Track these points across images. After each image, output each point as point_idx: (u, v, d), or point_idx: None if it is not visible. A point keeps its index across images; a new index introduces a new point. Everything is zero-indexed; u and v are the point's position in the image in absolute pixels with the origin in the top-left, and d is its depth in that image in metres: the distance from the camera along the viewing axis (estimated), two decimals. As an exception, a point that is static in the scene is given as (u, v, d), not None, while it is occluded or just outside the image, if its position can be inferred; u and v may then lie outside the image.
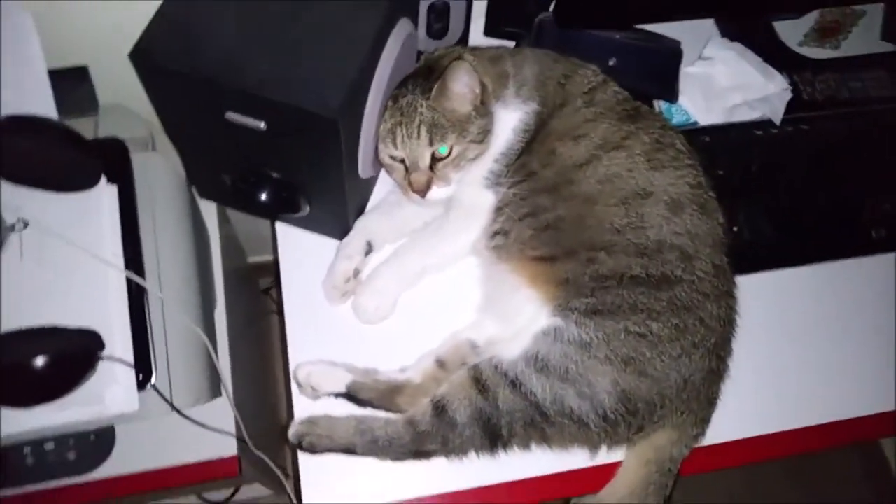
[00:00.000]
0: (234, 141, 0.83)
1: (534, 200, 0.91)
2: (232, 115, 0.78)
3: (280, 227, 1.02)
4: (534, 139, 0.94)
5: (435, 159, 0.91)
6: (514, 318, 0.91)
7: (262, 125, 0.78)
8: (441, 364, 0.92)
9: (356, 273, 0.97)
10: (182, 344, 1.05)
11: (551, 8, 1.08)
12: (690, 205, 0.90)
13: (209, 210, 1.30)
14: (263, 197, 0.92)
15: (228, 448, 1.19)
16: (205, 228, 1.30)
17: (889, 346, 1.03)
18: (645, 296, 0.85)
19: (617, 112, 0.94)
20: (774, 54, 1.20)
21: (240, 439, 1.19)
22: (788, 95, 1.12)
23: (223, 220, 1.37)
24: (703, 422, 0.90)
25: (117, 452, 1.08)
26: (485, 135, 0.92)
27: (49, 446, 1.06)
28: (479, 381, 0.86)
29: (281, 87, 0.73)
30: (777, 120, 1.11)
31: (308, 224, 0.99)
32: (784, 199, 1.08)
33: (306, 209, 0.94)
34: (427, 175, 0.91)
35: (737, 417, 0.94)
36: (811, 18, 1.24)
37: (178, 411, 1.00)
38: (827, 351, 1.02)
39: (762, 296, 1.02)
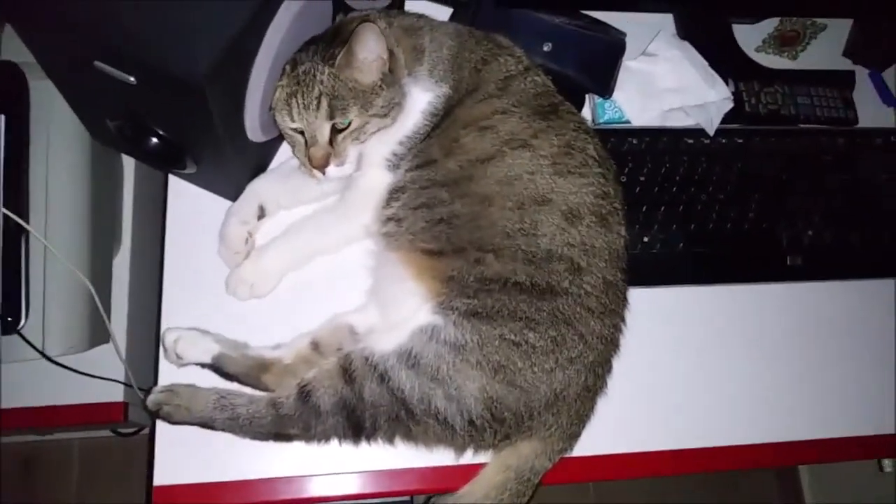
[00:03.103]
0: (109, 89, 0.77)
1: (431, 192, 0.87)
2: (100, 65, 0.72)
3: (172, 180, 0.97)
4: (439, 124, 0.89)
5: (335, 131, 0.86)
6: (395, 310, 0.88)
7: (132, 79, 0.72)
8: (315, 346, 0.89)
9: (250, 236, 0.93)
10: (64, 289, 1.01)
11: (491, -22, 1.01)
12: (589, 216, 0.86)
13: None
14: (147, 148, 0.87)
15: (115, 394, 1.17)
16: (118, 165, 1.25)
17: (803, 370, 1.02)
18: (526, 304, 0.82)
19: (531, 106, 0.89)
20: (726, 57, 1.15)
21: (127, 385, 1.17)
22: (728, 106, 1.07)
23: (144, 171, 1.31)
24: (572, 437, 0.88)
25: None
26: (390, 108, 0.87)
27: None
28: (346, 371, 0.83)
29: (147, 45, 0.67)
30: (710, 131, 1.06)
31: (200, 181, 0.95)
32: (702, 215, 1.04)
33: (193, 167, 0.89)
34: (326, 150, 0.86)
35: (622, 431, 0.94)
36: (771, 25, 1.18)
37: (48, 358, 0.98)
38: (725, 372, 1.01)
39: (663, 310, 1.00)
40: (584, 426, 0.89)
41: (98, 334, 1.07)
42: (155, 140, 0.85)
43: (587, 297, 0.84)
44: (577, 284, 0.84)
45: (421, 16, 0.94)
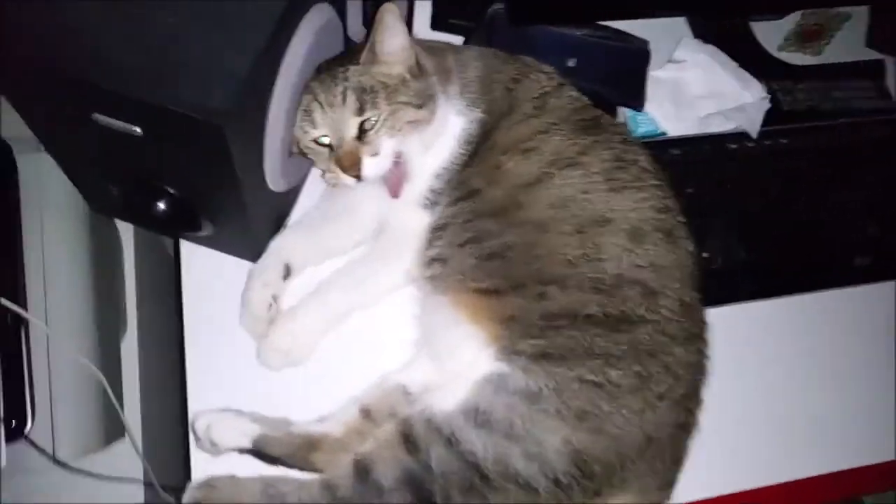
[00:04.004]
0: (112, 148, 0.68)
1: (477, 224, 0.79)
2: (100, 118, 0.63)
3: (185, 245, 0.88)
4: (476, 152, 0.82)
5: (364, 130, 0.78)
6: (452, 360, 0.78)
7: (138, 130, 0.63)
8: (367, 414, 0.79)
9: (275, 300, 0.83)
10: (72, 383, 0.90)
11: (504, -1, 0.95)
12: (655, 233, 0.78)
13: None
14: (158, 213, 0.78)
15: (135, 496, 1.04)
16: (115, 238, 1.15)
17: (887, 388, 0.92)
18: (602, 338, 0.73)
19: (572, 122, 0.82)
20: (752, 59, 1.08)
21: (148, 485, 1.04)
22: (766, 105, 1.01)
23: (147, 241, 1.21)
24: (669, 484, 0.78)
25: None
26: (425, 100, 0.80)
27: None
28: (408, 438, 0.73)
29: (150, 84, 0.59)
30: (754, 133, 1.00)
31: (216, 244, 0.85)
32: (760, 222, 0.97)
33: (209, 228, 0.80)
34: (355, 147, 0.78)
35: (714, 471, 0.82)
36: (792, 21, 1.13)
37: (62, 464, 0.86)
38: (812, 394, 0.91)
39: (735, 331, 0.90)
40: (680, 470, 0.79)
41: (113, 429, 0.95)
42: (166, 202, 0.76)
43: (667, 323, 0.76)
44: (653, 310, 0.75)
45: (442, 42, 0.87)
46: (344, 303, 0.83)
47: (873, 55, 1.15)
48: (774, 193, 0.99)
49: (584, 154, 0.80)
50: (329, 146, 0.79)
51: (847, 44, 1.15)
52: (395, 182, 0.81)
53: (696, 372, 0.78)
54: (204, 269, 0.87)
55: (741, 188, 0.98)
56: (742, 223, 0.97)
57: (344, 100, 0.77)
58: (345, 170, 0.78)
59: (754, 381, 0.91)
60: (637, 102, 1.00)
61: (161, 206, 0.77)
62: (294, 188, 0.85)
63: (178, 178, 0.73)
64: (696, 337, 0.78)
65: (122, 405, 0.97)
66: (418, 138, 0.81)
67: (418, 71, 0.80)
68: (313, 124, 0.78)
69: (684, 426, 0.78)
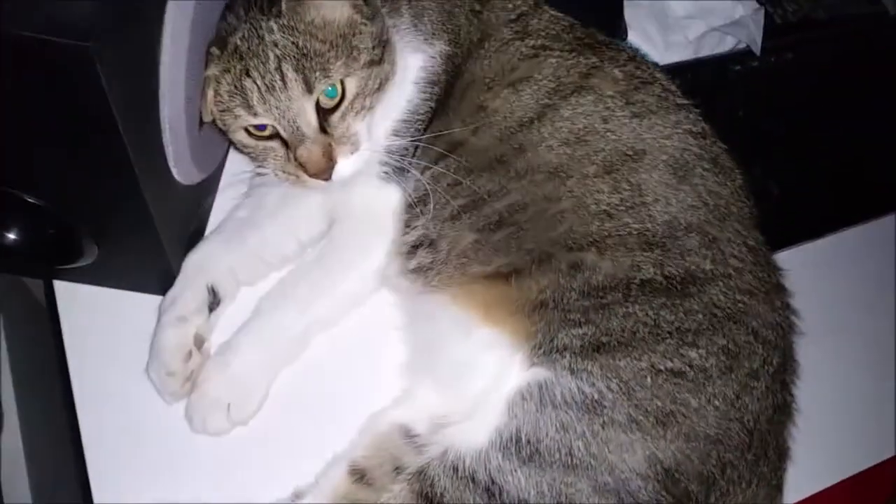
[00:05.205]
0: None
1: (469, 185, 0.58)
2: None
3: (60, 290, 0.62)
4: (447, 95, 0.62)
5: (324, 112, 0.56)
6: (467, 379, 0.58)
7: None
8: (360, 474, 0.58)
9: (199, 344, 0.60)
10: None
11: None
12: (700, 163, 0.60)
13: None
14: (13, 240, 0.53)
15: None
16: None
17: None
18: (669, 309, 0.55)
19: (566, 41, 0.64)
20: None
21: None
22: (762, 16, 0.85)
23: (10, 287, 0.92)
24: (778, 489, 0.58)
25: None
26: (382, 49, 0.58)
27: None
28: (430, 499, 0.52)
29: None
30: (756, 49, 0.84)
31: (104, 276, 0.61)
32: (785, 150, 0.81)
33: (93, 252, 0.56)
34: (322, 142, 0.56)
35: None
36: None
37: None
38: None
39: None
40: (785, 468, 0.59)
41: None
42: (24, 218, 0.51)
43: (739, 276, 0.58)
44: (720, 261, 0.57)
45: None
46: (297, 325, 0.61)
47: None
48: (794, 115, 0.83)
49: (590, 76, 0.61)
50: (279, 138, 0.56)
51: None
52: None
53: (786, 333, 0.59)
54: (92, 317, 0.62)
55: (756, 113, 0.82)
56: (765, 155, 0.80)
57: (283, 78, 0.54)
58: (312, 174, 0.56)
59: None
60: (617, 30, 0.82)
61: (18, 230, 0.52)
62: (208, 180, 0.61)
63: (43, 177, 0.49)
64: (777, 288, 0.60)
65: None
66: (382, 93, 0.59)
67: (365, 5, 0.58)
68: (251, 111, 0.55)
69: (783, 408, 0.59)
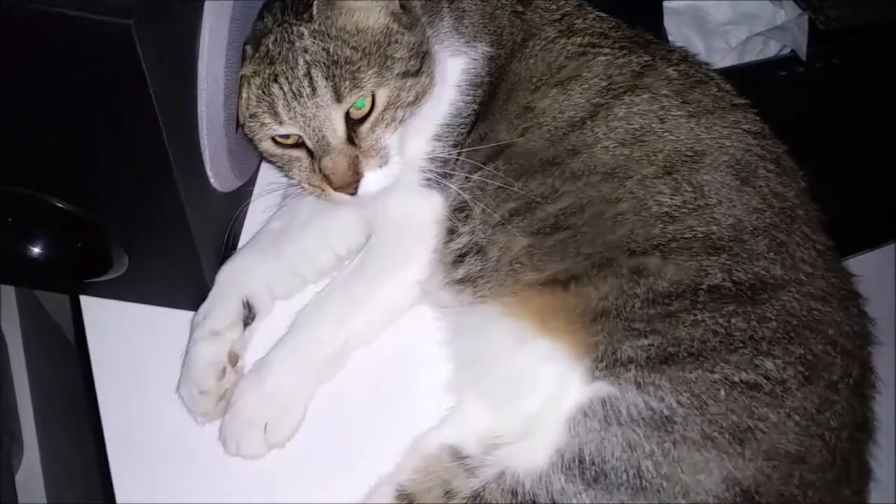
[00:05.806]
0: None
1: (520, 188, 0.55)
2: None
3: (88, 307, 0.59)
4: (491, 97, 0.60)
5: (353, 122, 0.53)
6: (522, 396, 0.54)
7: None
8: (407, 499, 0.54)
9: (234, 361, 0.57)
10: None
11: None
12: (762, 163, 0.57)
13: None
14: (38, 253, 0.51)
15: None
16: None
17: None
18: (741, 317, 0.51)
19: (614, 38, 0.61)
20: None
21: None
22: (805, 21, 0.83)
23: (29, 309, 0.88)
24: (861, 515, 0.54)
25: None
26: (420, 60, 0.55)
27: None
28: (490, 525, 0.47)
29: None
30: (802, 54, 0.81)
31: (133, 292, 0.58)
32: (837, 160, 0.77)
33: (124, 263, 0.53)
34: (349, 153, 0.53)
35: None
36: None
37: None
38: None
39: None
40: (867, 488, 0.54)
41: None
42: (53, 225, 0.49)
43: (811, 281, 0.54)
44: (791, 266, 0.53)
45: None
46: (335, 340, 0.58)
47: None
48: (844, 124, 0.79)
49: (643, 75, 0.59)
50: (305, 147, 0.54)
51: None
52: None
53: (864, 343, 0.55)
54: (120, 334, 0.59)
55: (804, 122, 0.78)
56: (816, 163, 0.76)
57: (312, 86, 0.51)
58: (337, 188, 0.53)
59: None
60: (657, 37, 0.79)
61: (44, 239, 0.49)
62: (242, 189, 0.59)
63: (73, 176, 0.46)
64: (851, 295, 0.56)
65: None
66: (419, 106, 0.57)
67: (404, 14, 0.56)
68: (277, 118, 0.52)
69: (864, 425, 0.54)
